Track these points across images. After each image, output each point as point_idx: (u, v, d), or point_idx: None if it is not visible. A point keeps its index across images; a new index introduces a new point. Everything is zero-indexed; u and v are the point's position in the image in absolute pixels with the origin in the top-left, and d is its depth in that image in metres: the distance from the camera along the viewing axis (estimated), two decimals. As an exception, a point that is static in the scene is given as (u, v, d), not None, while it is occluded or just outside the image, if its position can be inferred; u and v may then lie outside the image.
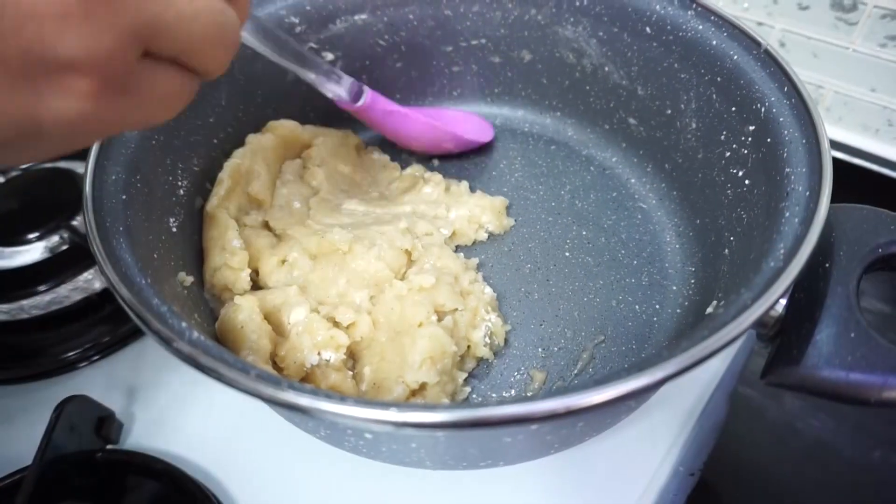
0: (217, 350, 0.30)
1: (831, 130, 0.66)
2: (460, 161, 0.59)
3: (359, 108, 0.51)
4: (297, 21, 0.53)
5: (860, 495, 0.48)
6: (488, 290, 0.48)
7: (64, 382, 0.50)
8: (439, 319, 0.43)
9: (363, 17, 0.55)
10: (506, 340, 0.46)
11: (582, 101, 0.58)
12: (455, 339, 0.43)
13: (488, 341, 0.45)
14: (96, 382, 0.50)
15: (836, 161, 0.63)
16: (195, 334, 0.31)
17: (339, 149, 0.55)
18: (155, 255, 0.39)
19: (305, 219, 0.49)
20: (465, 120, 0.60)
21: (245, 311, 0.41)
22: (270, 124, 0.53)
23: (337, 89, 0.49)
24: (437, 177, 0.55)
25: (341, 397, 0.27)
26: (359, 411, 0.27)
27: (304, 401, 0.27)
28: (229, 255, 0.45)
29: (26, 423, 0.48)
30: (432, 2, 0.56)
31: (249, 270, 0.45)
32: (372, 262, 0.45)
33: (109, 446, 0.46)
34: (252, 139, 0.51)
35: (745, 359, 0.51)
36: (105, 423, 0.46)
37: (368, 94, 0.51)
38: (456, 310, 0.44)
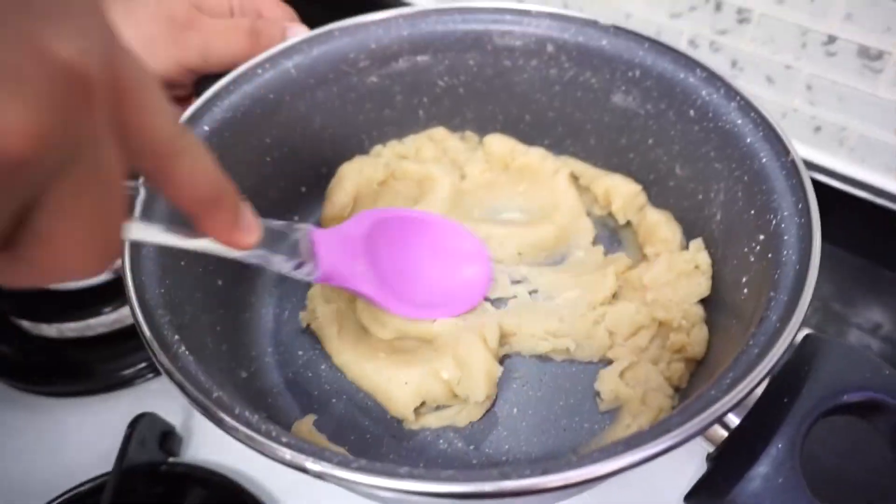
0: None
1: (854, 170, 0.65)
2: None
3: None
4: (361, 57, 0.57)
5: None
6: None
7: (123, 397, 0.55)
8: None
9: (425, 58, 0.58)
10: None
11: (625, 169, 0.58)
12: None
13: None
14: (157, 397, 0.54)
15: (858, 200, 0.61)
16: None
17: None
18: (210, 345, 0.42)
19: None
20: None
21: None
22: None
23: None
24: None
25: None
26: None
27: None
28: None
29: (91, 434, 0.53)
30: (492, 52, 0.57)
31: None
32: None
33: (171, 459, 0.50)
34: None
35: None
36: (168, 437, 0.50)
37: (322, 262, 0.40)
38: None
